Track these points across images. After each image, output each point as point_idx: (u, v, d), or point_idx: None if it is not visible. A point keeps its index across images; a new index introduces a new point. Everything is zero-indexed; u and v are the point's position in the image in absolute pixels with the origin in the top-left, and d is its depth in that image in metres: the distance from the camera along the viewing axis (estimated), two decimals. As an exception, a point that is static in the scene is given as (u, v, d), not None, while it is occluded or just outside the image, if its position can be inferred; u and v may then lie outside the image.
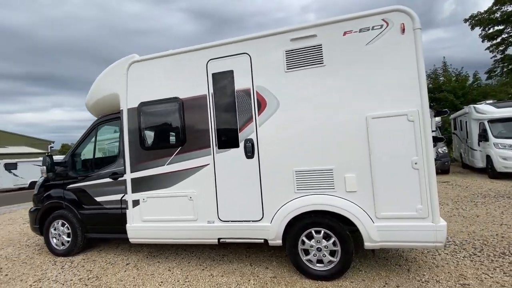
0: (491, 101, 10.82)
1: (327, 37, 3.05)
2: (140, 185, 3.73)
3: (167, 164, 3.61)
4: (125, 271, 3.70)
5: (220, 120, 3.40)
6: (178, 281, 3.31)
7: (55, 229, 4.43)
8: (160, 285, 3.26)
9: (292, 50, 3.15)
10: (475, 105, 10.40)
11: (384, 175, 2.87)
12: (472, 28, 18.54)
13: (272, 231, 3.19)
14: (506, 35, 18.06)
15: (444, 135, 16.55)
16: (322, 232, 3.08)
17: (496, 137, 9.10)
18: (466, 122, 11.09)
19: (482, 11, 17.79)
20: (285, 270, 3.38)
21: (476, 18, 18.00)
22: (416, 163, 2.78)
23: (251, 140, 3.26)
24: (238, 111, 3.31)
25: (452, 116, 14.08)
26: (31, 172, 19.20)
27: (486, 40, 18.61)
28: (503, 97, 16.22)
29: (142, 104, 3.74)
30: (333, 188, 3.02)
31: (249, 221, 3.29)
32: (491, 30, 18.14)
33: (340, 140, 3.00)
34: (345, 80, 2.99)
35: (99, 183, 4.15)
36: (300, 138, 3.12)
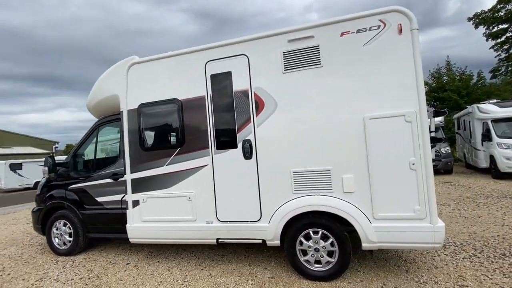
0: (494, 101, 10.71)
1: (324, 38, 3.05)
2: (140, 185, 3.77)
3: (166, 165, 3.64)
4: (125, 270, 3.74)
5: (219, 121, 3.42)
6: (177, 281, 3.34)
7: (57, 229, 4.48)
8: (159, 284, 3.28)
9: (289, 51, 3.16)
10: (478, 105, 10.30)
11: (382, 175, 2.86)
12: (476, 26, 18.37)
13: (270, 231, 3.20)
14: (511, 34, 17.86)
15: (447, 135, 16.44)
16: (320, 232, 3.08)
17: (499, 137, 9.01)
18: (469, 121, 10.99)
19: (486, 9, 17.62)
20: (283, 270, 3.39)
21: (480, 17, 17.82)
22: (413, 164, 2.77)
23: (249, 141, 3.27)
24: (236, 112, 3.33)
25: (455, 115, 13.97)
26: (36, 172, 19.41)
27: (490, 39, 18.43)
28: (508, 96, 16.04)
29: (142, 105, 3.77)
30: (331, 189, 3.02)
31: (247, 221, 3.31)
32: (495, 29, 17.95)
33: (338, 140, 3.00)
34: (342, 81, 3.00)
35: (100, 183, 4.19)
36: (297, 139, 3.13)
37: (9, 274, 3.92)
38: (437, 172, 10.78)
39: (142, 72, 3.81)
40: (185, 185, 3.55)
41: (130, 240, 3.86)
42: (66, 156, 4.81)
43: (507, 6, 16.87)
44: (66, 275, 3.73)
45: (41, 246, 5.03)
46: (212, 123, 3.44)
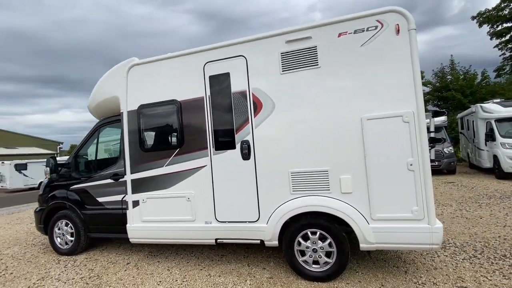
0: (498, 100, 10.60)
1: (322, 38, 3.06)
2: (139, 186, 3.80)
3: (165, 166, 3.66)
4: (126, 270, 3.77)
5: (217, 122, 3.44)
6: (176, 280, 3.37)
7: (59, 229, 4.54)
8: (158, 284, 3.31)
9: (287, 52, 3.17)
10: (482, 104, 10.21)
11: (379, 176, 2.86)
12: (480, 25, 18.16)
13: (268, 232, 3.21)
14: (516, 32, 17.64)
15: (450, 134, 16.30)
16: (318, 233, 3.08)
17: (503, 136, 8.92)
18: (473, 121, 10.90)
19: (490, 8, 17.43)
20: (281, 271, 3.39)
21: (484, 15, 17.61)
22: (411, 165, 2.76)
23: (247, 142, 3.29)
24: (234, 113, 3.35)
25: (459, 115, 13.86)
26: (41, 172, 19.57)
27: (494, 38, 18.22)
28: (512, 95, 15.87)
29: (142, 106, 3.81)
30: (328, 190, 3.02)
31: (246, 222, 3.32)
32: (499, 28, 17.74)
33: (336, 141, 3.00)
34: (340, 81, 3.00)
35: (100, 184, 4.24)
36: (295, 140, 3.13)
37: (11, 273, 3.98)
38: (440, 172, 10.71)
39: (142, 74, 3.84)
40: (184, 185, 3.58)
41: (130, 240, 3.90)
42: (68, 157, 4.86)
43: (511, 4, 16.67)
44: (67, 274, 3.78)
45: (44, 245, 5.09)
46: (211, 124, 3.46)
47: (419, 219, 2.75)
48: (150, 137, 3.95)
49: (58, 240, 4.56)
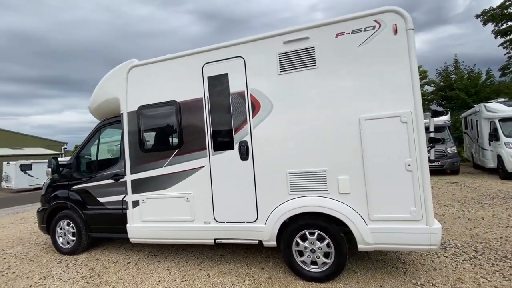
0: (502, 99, 10.49)
1: (319, 39, 3.06)
2: (139, 186, 3.83)
3: (165, 166, 3.69)
4: (126, 270, 3.80)
5: (216, 122, 3.46)
6: (175, 280, 3.39)
7: (61, 229, 4.59)
8: (157, 284, 3.33)
9: (285, 53, 3.17)
10: (485, 104, 10.11)
11: (377, 177, 2.85)
12: (484, 24, 18.00)
13: (266, 232, 3.22)
14: (521, 31, 17.44)
15: (454, 134, 16.15)
16: (316, 233, 3.08)
17: (507, 136, 8.82)
18: (476, 121, 10.79)
19: (494, 6, 17.24)
20: (280, 271, 3.40)
21: (488, 14, 17.45)
22: (409, 165, 2.75)
23: (245, 142, 3.30)
24: (233, 114, 3.36)
25: (462, 115, 13.73)
26: (45, 173, 19.80)
27: (499, 36, 18.02)
28: (517, 94, 15.67)
29: (141, 107, 3.84)
30: (326, 190, 3.02)
31: (244, 222, 3.33)
32: (504, 26, 17.54)
33: (333, 141, 3.00)
34: (337, 81, 2.99)
35: (101, 184, 4.28)
36: (293, 140, 3.14)
37: (14, 272, 4.03)
38: (443, 172, 10.62)
39: (142, 75, 3.87)
40: (184, 186, 3.60)
41: (130, 240, 3.93)
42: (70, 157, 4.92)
43: (516, 2, 16.49)
44: (68, 273, 3.82)
45: (46, 245, 5.15)
46: (209, 124, 3.47)
47: (417, 219, 2.74)
48: (149, 138, 3.98)
49: (60, 240, 4.61)
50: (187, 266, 3.76)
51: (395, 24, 2.81)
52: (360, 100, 2.92)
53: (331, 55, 3.02)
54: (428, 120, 3.66)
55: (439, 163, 10.34)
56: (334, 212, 2.95)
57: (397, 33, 2.81)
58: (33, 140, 32.62)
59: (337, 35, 3.00)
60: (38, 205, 5.01)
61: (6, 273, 4.01)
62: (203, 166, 3.50)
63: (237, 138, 3.34)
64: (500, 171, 9.01)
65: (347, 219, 2.92)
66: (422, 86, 24.08)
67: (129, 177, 3.88)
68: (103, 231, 4.34)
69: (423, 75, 24.46)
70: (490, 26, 18.12)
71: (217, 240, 3.47)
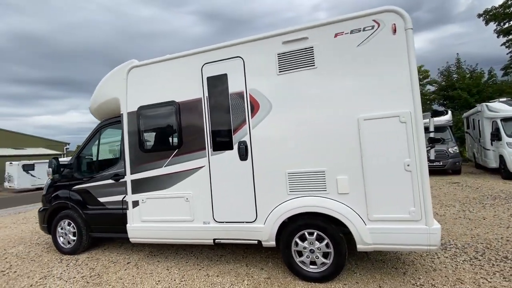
0: (504, 99, 10.42)
1: (318, 39, 3.05)
2: (139, 186, 3.84)
3: (164, 166, 3.70)
4: (126, 269, 3.82)
5: (215, 122, 3.46)
6: (175, 280, 3.39)
7: (62, 228, 4.62)
8: (157, 284, 3.34)
9: (284, 53, 3.17)
10: (487, 103, 10.06)
11: (376, 177, 2.84)
12: (487, 23, 17.87)
13: (265, 232, 3.22)
14: (523, 30, 17.31)
15: (456, 134, 16.07)
16: (315, 233, 3.08)
17: (509, 136, 8.77)
18: (478, 120, 10.73)
19: (497, 5, 17.12)
20: (279, 271, 3.40)
21: (491, 13, 17.33)
22: (408, 165, 2.74)
23: (244, 143, 3.30)
24: (232, 114, 3.36)
25: (464, 114, 13.66)
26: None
27: (501, 36, 17.90)
28: (520, 94, 15.55)
29: (141, 107, 3.85)
30: (325, 190, 3.02)
31: (243, 222, 3.33)
32: (506, 25, 17.42)
33: (332, 141, 2.99)
34: (336, 81, 2.99)
35: (101, 184, 4.30)
36: (292, 140, 3.13)
37: (15, 271, 4.06)
38: (445, 172, 10.57)
39: (141, 75, 3.88)
40: (183, 186, 3.60)
41: (130, 239, 3.94)
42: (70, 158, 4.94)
43: (519, 1, 16.37)
44: (69, 273, 3.84)
45: (48, 245, 5.18)
46: (209, 124, 3.48)
47: (417, 220, 2.73)
48: (149, 138, 4.00)
49: (61, 240, 4.63)
50: (187, 266, 3.77)
51: (394, 24, 2.80)
52: (359, 100, 2.92)
53: (330, 55, 3.01)
54: (428, 120, 3.64)
55: (441, 163, 10.30)
56: (332, 212, 2.95)
57: (396, 33, 2.80)
58: (35, 140, 32.79)
59: (336, 35, 3.00)
60: (40, 205, 5.04)
61: (8, 273, 4.04)
62: (203, 166, 3.51)
63: (236, 138, 3.34)
64: (502, 171, 8.96)
65: (346, 219, 2.91)
66: (424, 85, 23.99)
67: (129, 177, 3.90)
68: (104, 231, 4.36)
69: (424, 74, 24.38)
70: (493, 25, 18.00)
71: (216, 240, 3.48)
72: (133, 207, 3.87)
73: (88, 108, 4.55)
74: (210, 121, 3.48)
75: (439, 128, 11.02)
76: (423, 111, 2.91)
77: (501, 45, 18.31)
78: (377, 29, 2.86)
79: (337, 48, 2.99)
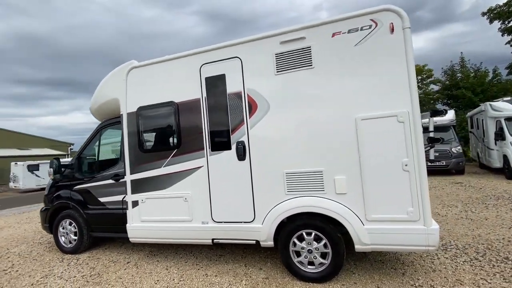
0: (508, 98, 10.31)
1: (316, 39, 3.05)
2: (139, 186, 3.86)
3: (163, 166, 3.71)
4: (125, 269, 3.84)
5: (213, 123, 3.47)
6: (173, 279, 3.41)
7: (63, 228, 4.66)
8: (155, 283, 3.36)
9: (281, 53, 3.17)
10: (491, 103, 9.95)
11: (374, 177, 2.83)
12: (491, 21, 17.67)
13: (263, 232, 3.22)
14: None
15: (460, 133, 15.93)
16: (313, 234, 3.07)
17: (513, 136, 8.66)
18: (482, 120, 10.62)
19: (501, 3, 16.93)
20: (278, 271, 3.39)
21: (495, 11, 17.14)
22: (406, 165, 2.73)
23: (242, 143, 3.30)
24: (230, 114, 3.37)
25: (468, 114, 13.53)
26: (51, 173, 20.07)
27: (506, 34, 17.69)
28: (525, 93, 15.36)
29: (141, 108, 3.87)
30: (323, 190, 3.01)
31: (241, 222, 3.34)
32: (511, 24, 17.22)
33: (330, 141, 2.98)
34: (334, 81, 2.98)
35: (102, 184, 4.33)
36: (290, 140, 3.13)
37: (17, 270, 4.11)
38: (448, 172, 10.48)
39: (141, 76, 3.90)
40: (182, 186, 3.62)
41: (130, 239, 3.97)
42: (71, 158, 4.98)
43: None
44: (69, 272, 3.87)
45: (50, 244, 5.23)
46: (207, 125, 3.49)
47: (415, 220, 2.71)
48: (148, 138, 4.02)
49: (62, 239, 4.68)
50: (186, 265, 3.78)
51: (392, 23, 2.78)
52: (356, 99, 2.90)
53: (328, 55, 3.01)
54: (427, 119, 3.62)
55: (444, 163, 10.21)
56: (330, 212, 2.94)
57: (394, 32, 2.78)
58: (40, 141, 33.15)
59: (333, 35, 2.99)
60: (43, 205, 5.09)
61: (10, 272, 4.09)
62: (201, 166, 3.52)
63: (234, 138, 3.35)
64: (506, 171, 8.85)
65: (343, 219, 2.90)
66: (427, 85, 23.83)
67: (128, 177, 3.92)
68: (104, 230, 4.39)
69: (428, 73, 24.20)
70: (497, 24, 17.80)
71: (215, 240, 3.48)
72: (133, 207, 3.90)
73: (89, 108, 4.59)
74: (208, 121, 3.49)
75: (442, 128, 10.93)
76: (427, 111, 2.89)
77: (506, 43, 18.10)
78: (374, 28, 2.85)
79: (335, 48, 2.98)
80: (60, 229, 4.68)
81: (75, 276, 3.73)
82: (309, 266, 3.11)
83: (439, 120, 11.10)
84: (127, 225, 3.94)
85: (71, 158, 4.96)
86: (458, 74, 19.69)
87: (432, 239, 2.67)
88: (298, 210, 3.06)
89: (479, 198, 6.42)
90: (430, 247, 2.69)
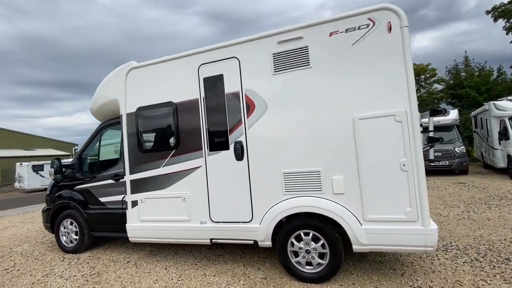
0: (512, 97, 10.18)
1: (313, 38, 3.04)
2: (138, 186, 3.88)
3: (162, 166, 3.73)
4: (125, 268, 3.86)
5: (211, 123, 3.48)
6: (172, 279, 3.42)
7: (64, 228, 4.70)
8: (154, 282, 3.38)
9: (279, 53, 3.17)
10: (495, 102, 9.84)
11: (372, 177, 2.81)
12: (495, 20, 17.47)
13: (261, 232, 3.22)
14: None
15: (464, 133, 15.77)
16: (311, 234, 3.06)
17: (517, 135, 8.55)
18: (486, 119, 10.50)
19: (505, 1, 16.72)
20: (276, 271, 3.39)
21: (499, 9, 16.94)
22: (404, 165, 2.71)
23: (240, 143, 3.31)
24: (228, 114, 3.37)
25: (472, 113, 13.38)
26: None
27: (510, 33, 17.47)
28: (531, 92, 15.16)
29: (140, 108, 3.89)
30: (321, 190, 3.00)
31: (239, 222, 3.34)
32: (516, 22, 17.01)
33: (327, 141, 2.97)
34: (331, 81, 2.97)
35: (102, 184, 4.36)
36: (287, 140, 3.13)
37: (18, 269, 4.15)
38: (451, 172, 10.38)
39: (140, 77, 3.92)
40: (180, 186, 3.63)
41: (129, 239, 3.99)
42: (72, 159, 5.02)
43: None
44: (70, 271, 3.91)
45: (52, 243, 5.27)
46: (205, 125, 3.50)
47: (413, 220, 2.69)
48: (147, 139, 4.04)
49: (63, 239, 4.72)
50: (185, 265, 3.79)
51: (389, 22, 2.77)
52: (354, 99, 2.89)
53: (325, 55, 3.00)
54: (427, 119, 3.59)
55: (447, 163, 10.11)
56: (327, 212, 2.93)
57: (392, 31, 2.76)
58: (44, 141, 33.52)
59: (330, 34, 2.98)
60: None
61: (11, 271, 4.14)
62: (199, 166, 3.53)
63: (232, 138, 3.35)
64: (510, 171, 8.75)
65: (341, 219, 2.89)
66: (431, 84, 23.62)
67: (128, 177, 3.94)
68: (104, 230, 4.42)
69: (432, 73, 23.99)
70: (502, 22, 17.59)
71: (213, 240, 3.49)
72: (132, 207, 3.92)
73: (89, 109, 4.63)
74: (206, 121, 3.49)
75: (445, 128, 10.84)
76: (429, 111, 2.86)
77: (510, 42, 17.88)
78: (372, 27, 2.83)
79: (332, 47, 2.97)
80: (62, 228, 4.72)
81: (75, 275, 3.76)
82: (307, 267, 3.11)
83: (442, 119, 11.01)
84: (127, 225, 3.97)
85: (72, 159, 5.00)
86: (462, 73, 19.48)
87: (431, 239, 2.65)
88: (296, 210, 3.06)
89: (482, 199, 6.35)
90: (428, 247, 2.67)
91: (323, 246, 3.02)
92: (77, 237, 4.60)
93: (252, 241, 3.30)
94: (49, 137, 35.06)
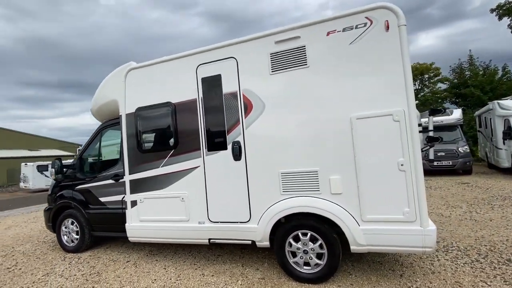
0: (517, 96, 10.04)
1: (310, 38, 3.03)
2: (137, 186, 3.90)
3: (161, 166, 3.74)
4: (124, 268, 3.88)
5: (209, 123, 3.48)
6: (170, 279, 3.43)
7: (65, 227, 4.74)
8: (153, 282, 3.39)
9: (276, 53, 3.16)
10: (499, 101, 9.72)
11: (370, 177, 2.79)
12: (500, 18, 17.27)
13: (259, 232, 3.21)
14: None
15: (469, 132, 15.60)
16: (309, 234, 3.05)
17: (522, 135, 8.44)
18: (490, 119, 10.38)
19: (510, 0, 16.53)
20: (274, 272, 3.38)
21: (504, 8, 16.74)
22: (402, 165, 2.68)
23: (238, 143, 3.30)
24: (226, 114, 3.37)
25: (476, 113, 13.25)
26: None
27: (516, 31, 17.25)
28: (536, 91, 14.95)
29: (139, 109, 3.91)
30: (318, 190, 2.98)
31: (237, 222, 3.33)
32: (521, 20, 16.79)
33: (325, 141, 2.96)
34: (329, 80, 2.96)
35: (102, 184, 4.39)
36: (285, 140, 3.12)
37: (20, 269, 4.20)
38: (455, 172, 10.28)
39: (139, 77, 3.94)
40: (179, 186, 3.64)
41: (129, 239, 4.01)
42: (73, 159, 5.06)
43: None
44: (70, 271, 3.94)
45: (53, 243, 5.32)
46: (203, 125, 3.50)
47: (411, 221, 2.66)
48: (147, 139, 4.05)
49: (64, 238, 4.76)
50: (184, 265, 3.80)
51: (387, 21, 2.75)
52: (352, 98, 2.87)
53: (322, 54, 2.98)
54: (427, 119, 3.56)
55: (450, 163, 10.01)
56: (325, 213, 2.91)
57: (389, 30, 2.74)
58: (49, 142, 33.88)
59: (328, 34, 2.96)
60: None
61: (13, 270, 4.18)
62: (198, 167, 3.53)
63: (230, 138, 3.35)
64: (514, 171, 8.64)
65: (338, 219, 2.87)
66: (435, 83, 23.42)
67: (127, 178, 3.96)
68: (105, 230, 4.45)
69: (436, 72, 23.79)
70: (506, 20, 17.37)
71: (211, 240, 3.49)
72: (132, 206, 3.94)
73: (90, 110, 4.66)
74: (204, 121, 3.50)
75: (449, 127, 10.74)
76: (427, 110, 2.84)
77: (516, 40, 17.65)
78: (369, 26, 2.81)
79: (330, 47, 2.96)
80: (63, 228, 4.76)
81: (75, 275, 3.79)
82: (304, 267, 3.09)
83: (446, 119, 10.92)
84: (126, 224, 3.99)
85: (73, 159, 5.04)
86: (467, 72, 19.28)
87: (429, 240, 2.62)
88: (293, 210, 3.05)
89: (485, 199, 6.27)
90: (427, 248, 2.64)
91: (321, 246, 3.01)
92: (78, 236, 4.63)
93: (250, 241, 3.30)
94: (53, 137, 35.40)
